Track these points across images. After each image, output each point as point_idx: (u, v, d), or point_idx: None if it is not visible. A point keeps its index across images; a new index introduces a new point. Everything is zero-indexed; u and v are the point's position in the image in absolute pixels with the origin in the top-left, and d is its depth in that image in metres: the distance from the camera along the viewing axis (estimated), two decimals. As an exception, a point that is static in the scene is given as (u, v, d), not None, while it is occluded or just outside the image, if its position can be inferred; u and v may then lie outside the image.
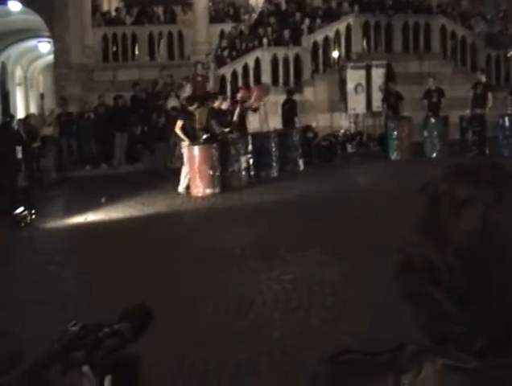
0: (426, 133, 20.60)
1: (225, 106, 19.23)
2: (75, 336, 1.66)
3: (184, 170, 16.79)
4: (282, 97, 21.61)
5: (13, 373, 1.66)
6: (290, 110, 21.06)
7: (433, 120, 20.63)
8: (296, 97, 22.18)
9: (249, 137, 18.21)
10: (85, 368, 1.63)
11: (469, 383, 1.24)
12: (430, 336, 1.30)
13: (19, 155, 20.87)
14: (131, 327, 1.72)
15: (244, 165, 17.68)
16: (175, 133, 17.18)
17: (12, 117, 22.58)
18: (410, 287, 1.32)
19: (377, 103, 22.16)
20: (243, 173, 17.68)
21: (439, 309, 1.26)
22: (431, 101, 20.96)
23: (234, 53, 24.03)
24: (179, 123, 16.88)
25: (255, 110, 20.32)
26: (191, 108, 17.41)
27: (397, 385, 1.28)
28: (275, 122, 21.00)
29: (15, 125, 21.48)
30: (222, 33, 25.59)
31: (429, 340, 1.31)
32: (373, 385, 1.32)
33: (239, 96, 20.19)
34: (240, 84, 22.70)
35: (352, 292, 8.29)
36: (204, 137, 16.96)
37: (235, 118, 19.04)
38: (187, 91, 22.39)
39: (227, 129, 18.23)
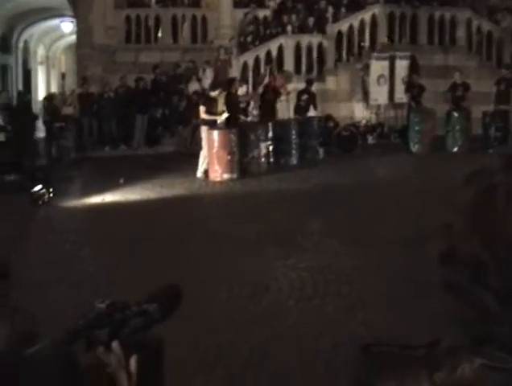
0: (448, 127, 20.47)
1: (241, 92, 19.18)
2: (101, 313, 1.62)
3: (202, 154, 16.77)
4: (303, 85, 21.52)
5: (37, 348, 1.64)
6: (307, 101, 20.53)
7: (456, 114, 20.47)
8: (319, 86, 22.08)
9: (270, 124, 18.13)
10: (114, 345, 1.59)
11: (509, 383, 1.19)
12: (469, 334, 1.24)
13: (42, 134, 20.98)
14: (159, 308, 1.67)
15: (263, 151, 17.63)
16: (200, 118, 17.13)
17: (26, 94, 22.64)
18: (453, 281, 1.25)
19: (399, 95, 22.03)
20: (262, 159, 17.63)
21: (483, 307, 1.20)
22: (455, 95, 20.81)
23: (257, 42, 23.96)
24: (203, 109, 16.84)
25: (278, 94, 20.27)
26: (212, 93, 17.32)
27: (430, 381, 1.22)
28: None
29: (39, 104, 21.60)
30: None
31: (468, 338, 1.25)
32: (406, 379, 1.26)
33: (266, 82, 20.14)
34: (262, 70, 22.68)
35: (368, 282, 8.25)
36: (224, 116, 16.79)
37: (251, 102, 19.13)
38: (208, 76, 22.34)
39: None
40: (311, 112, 20.32)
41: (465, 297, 1.22)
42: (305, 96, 20.49)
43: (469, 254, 1.21)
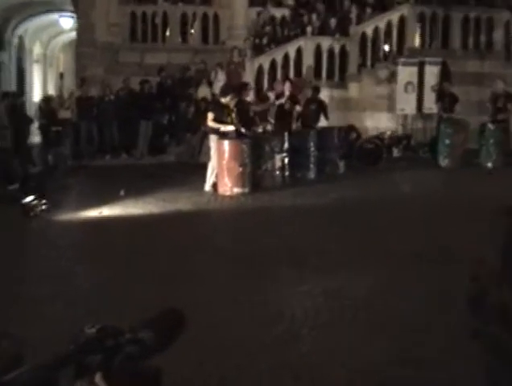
0: (482, 141, 20.46)
1: (249, 98, 19.18)
2: (92, 339, 1.63)
3: (211, 166, 16.84)
4: (324, 93, 21.56)
5: (20, 372, 1.63)
6: (316, 111, 20.26)
7: (491, 126, 20.46)
8: (340, 93, 22.19)
9: (286, 135, 18.16)
10: (97, 378, 1.61)
11: None
12: (492, 381, 1.27)
13: (37, 139, 21.13)
14: (156, 336, 1.68)
15: (278, 164, 17.64)
16: (207, 127, 17.14)
17: (19, 96, 22.73)
18: (481, 327, 1.27)
19: (428, 104, 22.08)
20: (277, 172, 17.65)
21: (510, 356, 1.23)
22: (495, 106, 20.77)
23: (273, 44, 24.05)
24: (211, 116, 16.83)
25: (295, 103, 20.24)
26: (223, 99, 17.27)
27: None
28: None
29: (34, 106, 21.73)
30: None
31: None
32: None
33: (286, 89, 20.18)
34: (278, 76, 22.79)
35: (387, 307, 8.30)
36: (230, 128, 16.78)
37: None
38: (220, 79, 22.43)
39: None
40: (323, 123, 20.23)
41: (492, 344, 1.26)
42: (314, 106, 20.34)
43: (499, 302, 1.23)
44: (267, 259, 10.56)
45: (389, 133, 21.91)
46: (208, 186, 16.77)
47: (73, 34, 29.20)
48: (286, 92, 19.86)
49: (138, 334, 1.67)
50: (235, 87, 19.13)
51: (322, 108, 20.44)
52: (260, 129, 18.77)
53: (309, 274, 9.77)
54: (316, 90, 20.82)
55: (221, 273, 9.82)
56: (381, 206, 14.28)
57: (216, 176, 16.69)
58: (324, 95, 21.46)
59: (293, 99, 19.95)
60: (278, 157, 17.65)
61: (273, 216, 14.03)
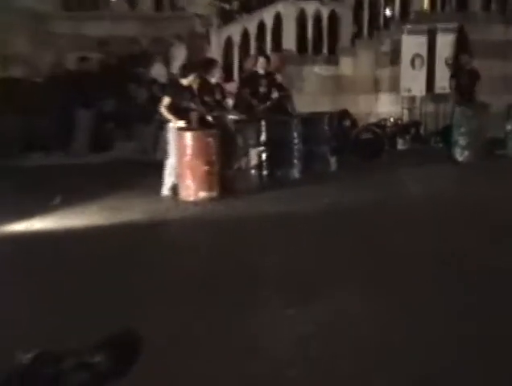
0: (509, 127, 20.56)
1: (215, 79, 19.07)
2: (26, 367, 1.62)
3: (169, 164, 16.78)
4: (309, 70, 21.57)
5: None
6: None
7: (519, 108, 20.61)
8: (329, 71, 22.19)
9: (263, 124, 18.10)
10: None
11: None
12: None
13: None
14: (108, 360, 1.68)
15: (254, 161, 17.64)
16: (161, 114, 17.08)
17: None
18: None
19: (441, 83, 22.12)
20: (252, 171, 17.68)
21: None
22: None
23: (245, 12, 24.11)
24: (166, 100, 16.73)
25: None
26: (184, 80, 17.20)
27: None
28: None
29: None
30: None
31: None
32: None
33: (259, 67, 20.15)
34: (252, 50, 22.79)
35: (389, 337, 8.25)
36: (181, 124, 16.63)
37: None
38: (178, 55, 22.42)
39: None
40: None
41: None
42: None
43: None
44: (241, 279, 10.49)
45: (392, 119, 22.01)
46: (166, 190, 16.74)
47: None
48: (260, 71, 19.77)
49: (86, 359, 1.67)
50: (198, 64, 19.07)
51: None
52: (233, 117, 18.71)
53: (294, 297, 9.70)
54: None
55: (179, 302, 9.71)
56: (384, 215, 14.32)
57: (177, 177, 16.63)
58: (310, 73, 21.47)
59: (271, 79, 19.92)
60: (253, 152, 17.62)
61: (248, 226, 13.97)
